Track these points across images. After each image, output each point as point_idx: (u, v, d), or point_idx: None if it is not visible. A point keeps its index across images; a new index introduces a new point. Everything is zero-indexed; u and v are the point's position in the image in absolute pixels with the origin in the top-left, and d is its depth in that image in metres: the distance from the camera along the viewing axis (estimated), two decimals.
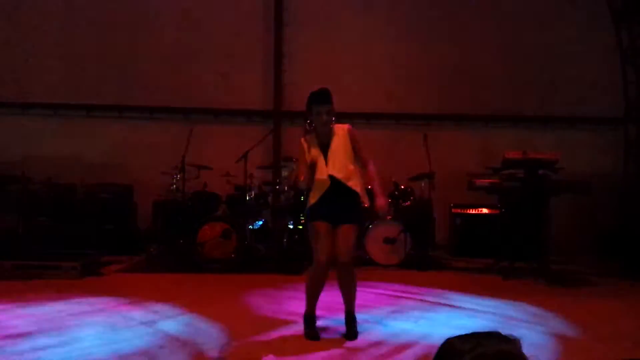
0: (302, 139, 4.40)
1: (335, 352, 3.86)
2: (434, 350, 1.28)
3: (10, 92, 9.37)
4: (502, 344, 1.28)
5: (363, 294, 5.17)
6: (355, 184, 4.29)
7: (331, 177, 4.23)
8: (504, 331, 1.31)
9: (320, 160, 4.26)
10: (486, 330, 1.34)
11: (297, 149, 4.59)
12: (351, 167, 4.30)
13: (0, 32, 9.44)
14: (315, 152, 4.29)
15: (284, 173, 8.05)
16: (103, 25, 9.53)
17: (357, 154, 4.34)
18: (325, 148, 4.29)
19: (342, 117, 8.85)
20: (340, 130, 4.36)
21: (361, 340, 4.15)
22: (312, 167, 4.29)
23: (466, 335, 1.31)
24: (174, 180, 7.78)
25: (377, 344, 4.06)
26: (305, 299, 4.37)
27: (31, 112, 9.48)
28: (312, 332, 4.24)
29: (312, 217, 4.29)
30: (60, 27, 9.52)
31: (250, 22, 9.78)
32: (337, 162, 4.25)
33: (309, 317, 4.33)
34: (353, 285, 4.38)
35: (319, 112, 4.23)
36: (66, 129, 9.53)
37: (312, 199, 4.31)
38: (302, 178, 4.32)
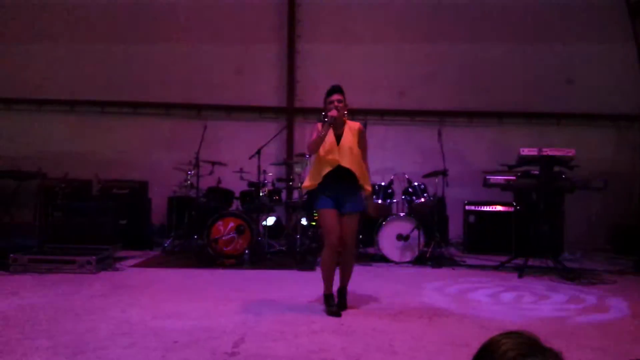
0: (318, 124, 4.81)
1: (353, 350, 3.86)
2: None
3: (26, 88, 9.48)
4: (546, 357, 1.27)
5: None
6: (358, 173, 4.78)
7: (338, 162, 4.72)
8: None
9: (332, 144, 4.74)
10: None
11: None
12: (358, 157, 4.80)
13: (17, 30, 9.55)
14: (328, 137, 4.75)
15: (297, 169, 8.06)
16: (119, 23, 9.61)
17: (363, 152, 4.88)
18: (337, 137, 4.78)
19: (356, 114, 8.95)
20: (353, 126, 4.86)
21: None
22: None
23: (514, 342, 1.30)
24: (188, 176, 7.82)
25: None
26: (323, 280, 4.90)
27: (47, 108, 9.60)
28: (332, 309, 4.76)
29: (321, 204, 4.80)
30: (76, 24, 9.60)
31: (263, 18, 9.80)
32: (346, 151, 4.74)
33: (328, 297, 4.88)
34: (352, 265, 4.99)
35: (331, 101, 4.75)
36: (82, 125, 9.64)
37: (313, 180, 4.84)
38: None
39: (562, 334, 4.17)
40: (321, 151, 4.76)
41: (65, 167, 8.30)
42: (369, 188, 4.92)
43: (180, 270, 6.73)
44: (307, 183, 4.98)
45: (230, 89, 9.66)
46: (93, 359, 3.51)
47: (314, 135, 4.77)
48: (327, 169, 4.74)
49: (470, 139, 9.57)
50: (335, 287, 4.99)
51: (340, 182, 4.74)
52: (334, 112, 4.66)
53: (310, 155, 5.04)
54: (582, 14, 9.55)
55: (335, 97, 4.75)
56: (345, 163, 4.71)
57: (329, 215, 4.74)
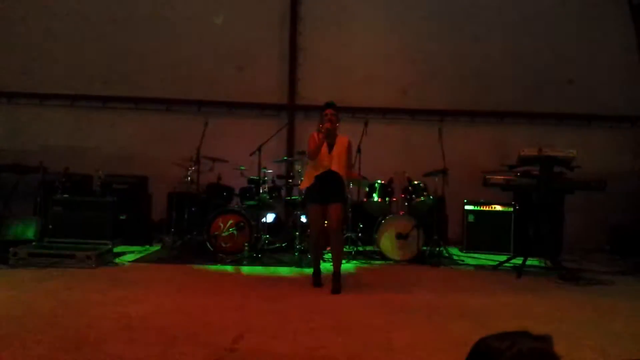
0: (314, 133, 5.81)
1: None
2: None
3: (28, 83, 9.47)
4: (536, 341, 1.30)
5: None
6: (343, 175, 5.77)
7: (329, 167, 5.66)
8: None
9: (325, 152, 5.70)
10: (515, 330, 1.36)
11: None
12: (344, 164, 5.77)
13: (19, 24, 9.54)
14: (323, 146, 5.70)
15: (297, 167, 8.07)
16: (121, 18, 9.59)
17: (347, 161, 5.84)
18: (329, 146, 5.74)
19: (357, 112, 8.97)
20: (342, 139, 5.82)
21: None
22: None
23: (499, 334, 1.33)
24: (189, 172, 7.82)
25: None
26: (311, 260, 6.03)
27: (49, 103, 9.59)
28: (317, 282, 5.82)
29: (308, 200, 5.83)
30: (79, 20, 9.58)
31: (266, 15, 9.79)
32: (336, 158, 5.72)
33: (315, 272, 5.90)
34: (341, 248, 5.95)
35: (325, 114, 5.72)
36: (83, 120, 9.64)
37: (309, 180, 5.77)
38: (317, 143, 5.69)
39: (560, 333, 4.19)
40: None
41: (66, 161, 8.29)
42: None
43: (180, 266, 6.74)
44: (304, 183, 5.89)
45: (232, 85, 9.65)
46: (93, 353, 3.52)
47: (312, 144, 5.70)
48: (320, 171, 5.69)
49: (471, 138, 9.57)
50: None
51: (329, 181, 5.68)
52: (327, 124, 5.64)
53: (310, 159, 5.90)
54: (583, 13, 9.55)
55: (329, 111, 5.72)
56: (335, 167, 5.69)
57: (313, 210, 5.77)
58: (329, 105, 5.80)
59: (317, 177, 5.68)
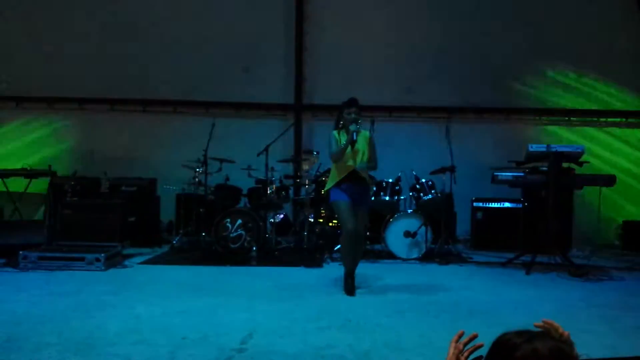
0: (335, 131, 5.54)
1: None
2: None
3: (36, 86, 9.52)
4: (556, 341, 1.35)
5: None
6: (366, 174, 5.55)
7: (354, 165, 5.41)
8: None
9: (349, 152, 5.41)
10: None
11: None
12: (367, 159, 5.50)
13: (26, 28, 9.59)
14: (346, 149, 5.42)
15: (305, 166, 8.07)
16: (126, 21, 9.62)
17: (370, 155, 5.56)
18: (351, 144, 5.42)
19: (364, 110, 8.89)
20: (364, 134, 5.57)
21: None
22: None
23: (521, 330, 1.38)
24: (197, 174, 7.85)
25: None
26: (343, 261, 5.62)
27: (56, 106, 9.64)
28: (349, 287, 5.39)
29: (337, 197, 5.42)
30: (85, 23, 9.62)
31: (271, 15, 9.79)
32: (360, 156, 5.45)
33: (348, 275, 5.47)
34: (361, 251, 5.75)
35: (349, 112, 5.42)
36: (91, 123, 9.67)
37: (333, 180, 5.48)
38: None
39: (570, 330, 4.15)
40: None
41: (74, 164, 8.34)
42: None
43: (189, 267, 6.76)
44: (329, 184, 5.60)
45: (238, 86, 9.66)
46: (102, 355, 3.53)
47: (333, 147, 5.43)
48: (345, 171, 5.43)
49: (479, 135, 9.54)
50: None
51: (355, 181, 5.43)
52: (354, 127, 5.31)
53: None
54: (591, 8, 9.49)
55: (354, 109, 5.42)
56: (359, 162, 5.44)
57: (344, 207, 5.36)
58: (353, 103, 5.49)
59: (344, 178, 5.42)
